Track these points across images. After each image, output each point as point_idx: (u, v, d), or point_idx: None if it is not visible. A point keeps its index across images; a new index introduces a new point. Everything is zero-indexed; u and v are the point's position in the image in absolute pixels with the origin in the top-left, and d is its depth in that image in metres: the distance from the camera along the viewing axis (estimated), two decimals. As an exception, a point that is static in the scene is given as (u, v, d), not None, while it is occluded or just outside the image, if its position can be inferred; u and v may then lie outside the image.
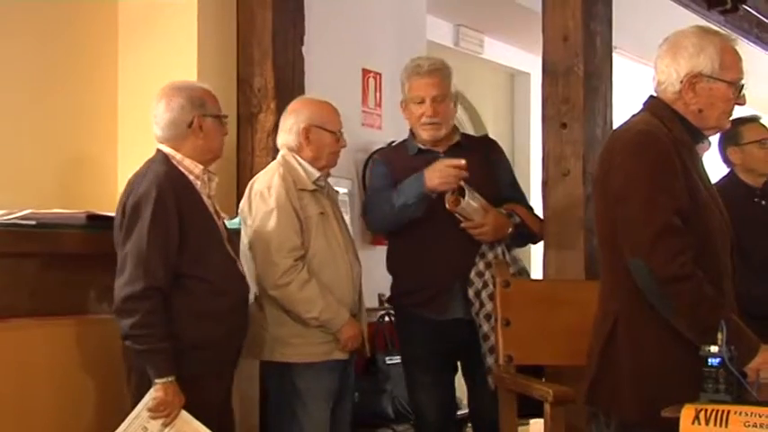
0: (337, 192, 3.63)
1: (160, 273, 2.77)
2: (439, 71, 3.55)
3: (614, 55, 4.03)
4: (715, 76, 2.51)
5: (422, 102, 3.52)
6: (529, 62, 6.66)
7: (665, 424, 2.13)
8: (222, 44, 3.93)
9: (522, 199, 3.71)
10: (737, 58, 2.56)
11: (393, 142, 4.05)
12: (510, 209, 3.56)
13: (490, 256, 3.47)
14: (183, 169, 2.95)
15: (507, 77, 7.37)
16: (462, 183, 3.37)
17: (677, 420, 2.09)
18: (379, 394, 4.06)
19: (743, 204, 3.59)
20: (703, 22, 7.52)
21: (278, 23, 3.91)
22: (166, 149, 2.97)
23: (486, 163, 3.64)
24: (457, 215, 3.42)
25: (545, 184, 3.78)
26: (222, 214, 3.11)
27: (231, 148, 3.90)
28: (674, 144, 2.49)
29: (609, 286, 2.62)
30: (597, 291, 2.71)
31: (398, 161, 3.62)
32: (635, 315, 2.50)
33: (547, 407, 2.96)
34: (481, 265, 3.45)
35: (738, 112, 2.72)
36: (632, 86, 6.86)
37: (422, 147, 3.59)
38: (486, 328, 3.41)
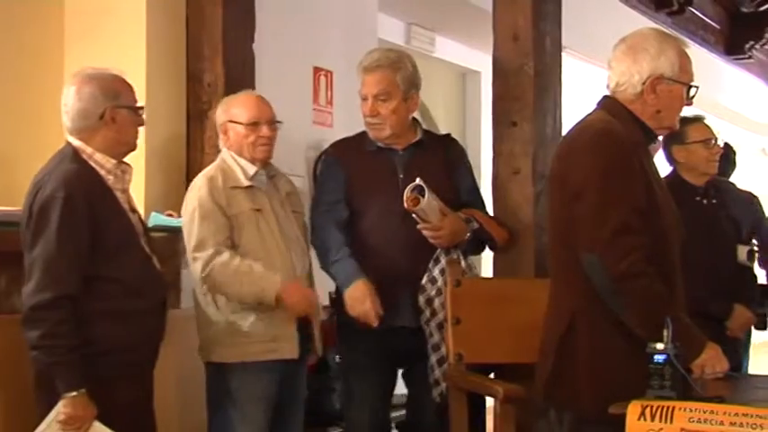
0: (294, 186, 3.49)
1: (70, 279, 2.63)
2: (381, 68, 3.32)
3: (564, 54, 4.06)
4: (675, 78, 2.56)
5: (365, 99, 3.35)
6: (480, 61, 6.68)
7: (620, 420, 2.15)
8: (171, 39, 3.88)
9: (481, 205, 3.52)
10: (690, 62, 2.62)
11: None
12: (469, 214, 3.37)
13: (445, 262, 3.29)
14: (93, 164, 2.77)
15: (458, 76, 7.40)
16: (420, 180, 3.17)
17: (619, 415, 2.11)
18: (329, 393, 4.04)
19: (684, 203, 3.64)
20: (651, 23, 7.62)
21: (228, 19, 3.88)
22: (76, 142, 2.79)
23: (447, 165, 3.45)
24: (414, 216, 3.23)
25: (495, 182, 3.80)
26: (137, 209, 2.99)
27: (181, 146, 3.86)
28: (633, 145, 2.53)
29: (563, 284, 2.64)
30: (547, 289, 2.73)
31: (355, 159, 3.41)
32: (593, 312, 2.52)
33: (497, 404, 2.98)
34: (435, 272, 3.28)
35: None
36: (582, 86, 6.94)
37: (381, 145, 3.40)
38: (436, 338, 3.27)
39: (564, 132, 3.89)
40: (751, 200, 4.36)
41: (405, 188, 3.21)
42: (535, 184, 3.69)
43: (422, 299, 3.27)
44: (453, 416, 3.25)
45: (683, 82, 2.56)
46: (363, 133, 3.46)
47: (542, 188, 3.69)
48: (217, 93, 3.83)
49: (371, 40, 5.05)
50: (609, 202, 2.44)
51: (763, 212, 4.47)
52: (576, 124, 2.68)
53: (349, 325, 3.34)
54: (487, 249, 3.63)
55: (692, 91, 2.60)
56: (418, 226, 3.23)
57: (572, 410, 2.58)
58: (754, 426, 1.99)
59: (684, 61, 2.59)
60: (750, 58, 10.16)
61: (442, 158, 3.44)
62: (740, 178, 4.82)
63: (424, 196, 3.16)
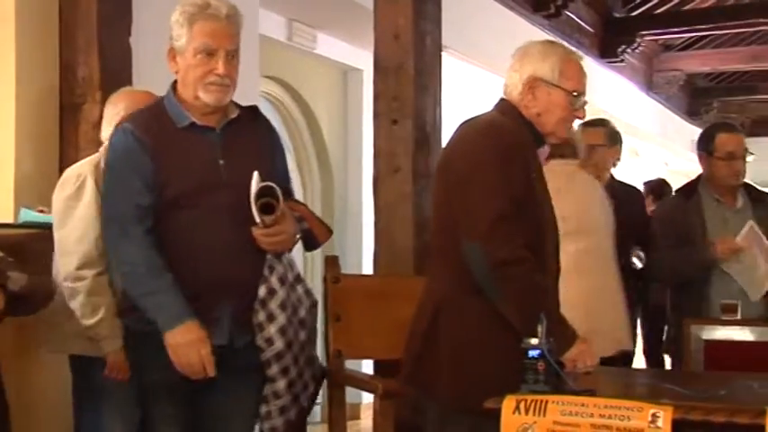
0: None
1: None
2: (236, 19, 2.72)
3: (444, 54, 4.11)
4: (554, 82, 2.61)
5: (212, 54, 2.61)
6: (362, 59, 6.70)
7: (479, 410, 2.19)
8: (44, 32, 3.75)
9: (292, 190, 2.87)
10: (579, 72, 2.67)
11: None
12: (298, 210, 2.75)
13: (280, 269, 2.62)
14: None
15: (340, 74, 7.40)
16: (257, 174, 2.53)
17: (495, 409, 2.15)
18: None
19: None
20: (529, 25, 7.79)
21: (104, 11, 3.77)
22: None
23: (265, 147, 2.76)
24: (258, 221, 2.55)
25: (376, 180, 3.82)
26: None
27: (54, 140, 3.73)
28: (520, 141, 2.58)
29: (437, 271, 2.69)
30: (425, 285, 2.76)
31: (162, 135, 2.64)
32: (459, 301, 2.57)
33: (376, 400, 2.99)
34: (273, 280, 2.60)
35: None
36: (461, 85, 7.04)
37: (197, 121, 2.65)
38: (275, 369, 2.62)
39: (444, 131, 3.96)
40: (643, 200, 4.47)
41: (227, 176, 2.60)
42: (415, 182, 3.73)
43: (262, 314, 2.59)
44: (332, 414, 3.25)
45: (562, 87, 2.62)
46: (162, 105, 2.71)
47: (422, 186, 3.73)
48: (92, 86, 3.73)
49: (252, 36, 4.99)
50: (491, 190, 2.49)
51: (644, 211, 4.56)
52: (467, 120, 2.72)
53: (145, 336, 2.63)
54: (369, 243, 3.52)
55: (577, 101, 2.65)
56: (256, 231, 2.55)
57: (433, 399, 2.63)
58: (622, 417, 2.05)
59: (568, 68, 2.64)
60: (623, 61, 10.50)
61: (258, 137, 2.75)
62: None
63: (278, 201, 2.52)
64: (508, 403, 2.15)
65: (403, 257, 3.72)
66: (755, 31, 12.11)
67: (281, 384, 2.63)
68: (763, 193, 3.96)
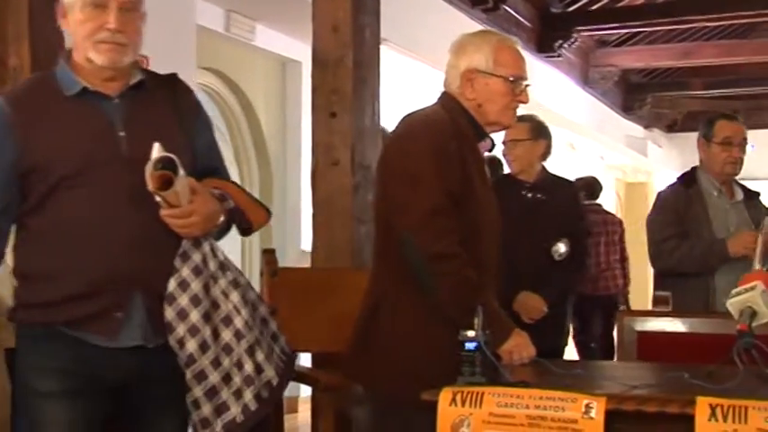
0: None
1: None
2: None
3: (383, 47, 4.11)
4: (490, 71, 2.62)
5: (102, 6, 2.25)
6: (300, 51, 6.67)
7: (416, 403, 2.21)
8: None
9: (224, 170, 2.55)
10: (515, 57, 2.68)
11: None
12: (221, 187, 2.40)
13: (197, 257, 2.27)
14: None
15: (279, 66, 7.36)
16: (159, 145, 2.18)
17: (432, 402, 2.16)
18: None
19: (510, 197, 3.75)
20: (467, 19, 7.84)
21: (35, 3, 3.70)
22: None
23: (179, 117, 2.41)
24: (159, 199, 2.20)
25: (314, 173, 3.81)
26: None
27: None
28: (457, 135, 2.59)
29: (377, 265, 2.71)
30: (365, 278, 2.77)
31: (42, 107, 2.29)
32: (398, 296, 2.58)
33: (316, 393, 2.99)
34: (185, 272, 2.25)
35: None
36: (400, 79, 7.05)
37: (88, 86, 2.29)
38: (188, 375, 2.26)
39: (382, 124, 3.97)
40: (576, 193, 4.47)
41: (128, 150, 2.26)
42: (354, 174, 3.72)
43: (171, 312, 2.24)
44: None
45: (499, 75, 2.63)
46: (53, 73, 2.37)
47: (361, 179, 3.73)
48: (23, 77, 3.65)
49: (189, 27, 4.95)
50: (425, 183, 2.50)
51: (577, 203, 4.55)
52: (408, 114, 2.73)
53: (39, 340, 2.30)
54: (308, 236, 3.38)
55: (517, 86, 2.65)
56: (163, 213, 2.22)
57: (371, 391, 2.65)
58: (556, 408, 2.07)
59: (502, 56, 2.64)
60: (560, 56, 10.63)
61: (171, 108, 2.41)
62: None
63: (177, 173, 2.17)
64: (445, 395, 2.16)
65: (341, 251, 3.72)
66: (687, 28, 12.36)
67: (198, 392, 2.26)
68: (756, 191, 3.98)
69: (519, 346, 2.53)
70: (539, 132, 4.01)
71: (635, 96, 14.99)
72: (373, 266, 2.75)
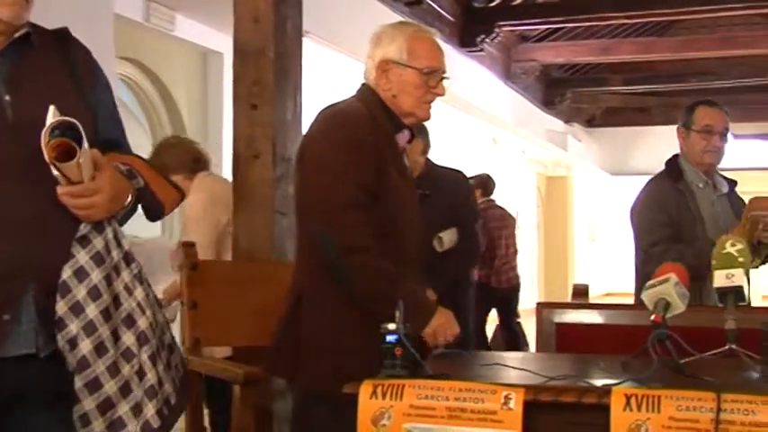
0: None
1: None
2: None
3: (305, 39, 4.09)
4: (403, 62, 2.62)
5: None
6: (222, 42, 6.61)
7: (338, 396, 2.21)
8: None
9: (127, 144, 2.18)
10: (430, 49, 2.67)
11: None
12: (128, 162, 2.05)
13: (98, 243, 1.90)
14: None
15: (200, 57, 7.28)
16: (55, 108, 1.82)
17: (353, 395, 2.16)
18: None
19: None
20: (390, 12, 7.86)
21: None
22: None
23: (73, 76, 2.04)
24: (57, 173, 1.84)
25: (235, 165, 3.77)
26: None
27: None
28: (374, 128, 2.58)
29: (300, 258, 2.71)
30: (286, 270, 2.76)
31: None
32: (318, 289, 2.58)
33: (236, 388, 2.96)
34: (84, 259, 1.88)
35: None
36: (323, 72, 7.03)
37: None
38: (78, 383, 1.85)
39: (305, 117, 3.94)
40: (456, 181, 4.39)
41: (15, 115, 1.91)
42: (275, 167, 3.69)
43: (63, 305, 1.84)
44: (191, 404, 3.20)
45: (413, 66, 2.63)
46: None
47: (282, 172, 3.71)
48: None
49: (106, 16, 4.85)
50: (339, 178, 2.50)
51: (467, 194, 4.51)
52: (325, 107, 2.72)
53: None
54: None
55: (432, 78, 2.64)
56: (60, 191, 1.86)
57: (293, 385, 2.64)
58: (476, 400, 2.09)
59: (416, 47, 2.64)
60: (482, 51, 10.73)
61: (64, 67, 2.04)
62: (472, 166, 5.03)
63: (80, 143, 1.81)
64: (365, 388, 2.16)
65: (263, 244, 3.69)
66: (606, 25, 12.59)
67: (89, 404, 1.86)
68: (734, 180, 3.84)
69: (442, 327, 2.55)
70: (416, 131, 4.04)
71: (555, 91, 15.23)
72: (296, 260, 2.74)
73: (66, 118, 1.81)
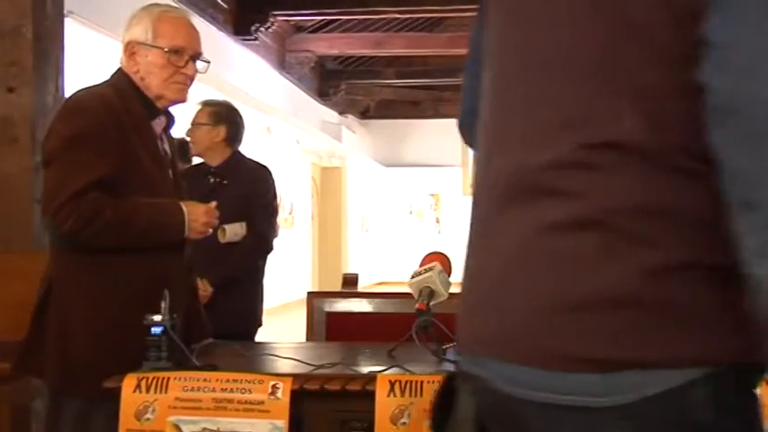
0: None
1: None
2: None
3: (68, 20, 3.91)
4: (148, 43, 2.57)
5: None
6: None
7: (93, 392, 2.13)
8: None
9: None
10: (177, 28, 2.61)
11: None
12: None
13: None
14: None
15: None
16: None
17: (109, 389, 2.10)
18: None
19: (199, 184, 3.69)
20: (162, -3, 7.65)
21: None
22: None
23: None
24: None
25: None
26: None
27: None
28: (121, 114, 2.49)
29: (51, 248, 2.57)
30: (45, 263, 2.62)
31: None
32: (66, 281, 2.48)
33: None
34: None
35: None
36: (88, 54, 6.75)
37: None
38: None
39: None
40: (256, 175, 4.41)
41: None
42: (34, 154, 3.51)
43: None
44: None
45: (158, 46, 2.57)
46: None
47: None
48: None
49: None
50: (70, 167, 2.41)
51: (263, 187, 4.54)
52: (72, 93, 2.60)
53: None
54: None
55: (179, 58, 2.58)
56: None
57: (45, 381, 2.53)
58: (243, 390, 2.08)
59: (161, 27, 2.58)
60: (256, 39, 10.67)
61: None
62: (247, 155, 4.94)
63: None
64: (129, 382, 2.10)
65: (21, 234, 3.50)
66: (380, 19, 12.86)
67: None
68: None
69: (195, 215, 2.55)
70: (219, 118, 3.97)
71: (330, 83, 15.41)
72: (49, 250, 2.61)
73: None
